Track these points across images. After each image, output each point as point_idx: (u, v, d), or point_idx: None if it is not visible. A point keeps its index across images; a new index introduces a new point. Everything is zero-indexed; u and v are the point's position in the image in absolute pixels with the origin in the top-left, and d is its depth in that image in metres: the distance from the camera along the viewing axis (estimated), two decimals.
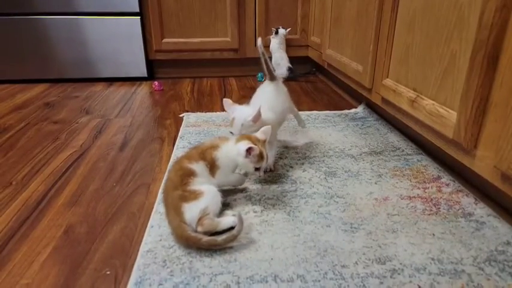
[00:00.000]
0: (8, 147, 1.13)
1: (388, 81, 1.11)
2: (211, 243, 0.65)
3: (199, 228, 0.68)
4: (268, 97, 0.98)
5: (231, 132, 0.90)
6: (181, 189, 0.71)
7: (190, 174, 0.73)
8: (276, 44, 1.97)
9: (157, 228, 0.73)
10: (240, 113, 0.89)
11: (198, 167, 0.75)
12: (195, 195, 0.70)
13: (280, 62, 1.98)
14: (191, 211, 0.69)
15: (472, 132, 0.73)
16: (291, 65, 1.97)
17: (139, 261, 0.63)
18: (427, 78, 0.90)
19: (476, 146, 0.73)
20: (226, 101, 0.92)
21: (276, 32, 1.96)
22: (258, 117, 0.87)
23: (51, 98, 1.68)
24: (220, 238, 0.65)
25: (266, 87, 1.02)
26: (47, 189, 0.88)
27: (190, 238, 0.66)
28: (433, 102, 0.87)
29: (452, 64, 0.80)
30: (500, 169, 0.66)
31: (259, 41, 1.02)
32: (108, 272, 0.61)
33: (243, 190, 0.86)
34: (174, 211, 0.69)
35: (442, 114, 0.82)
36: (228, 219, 0.71)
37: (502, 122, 0.66)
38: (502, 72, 0.66)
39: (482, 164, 0.72)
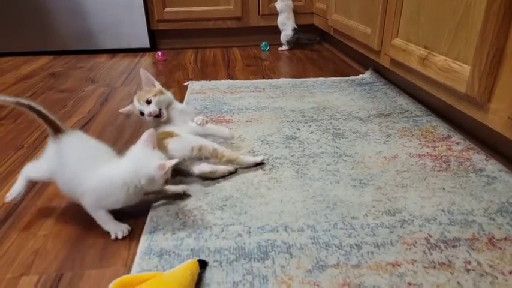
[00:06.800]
0: (17, 114, 1.13)
1: (398, 41, 1.08)
2: None
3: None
4: None
5: None
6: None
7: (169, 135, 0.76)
8: (283, 3, 1.91)
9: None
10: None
11: None
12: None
13: (286, 22, 1.92)
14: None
15: (486, 85, 0.71)
16: (296, 26, 1.92)
17: (152, 213, 0.64)
18: (439, 34, 0.87)
19: (490, 99, 0.72)
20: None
21: None
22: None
23: (55, 69, 1.67)
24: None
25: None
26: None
27: None
28: (445, 57, 0.85)
29: (466, 16, 0.77)
30: None
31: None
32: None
33: (250, 152, 0.86)
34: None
35: (455, 69, 0.80)
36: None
37: None
38: None
39: (495, 118, 0.71)
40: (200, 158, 0.76)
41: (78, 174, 0.59)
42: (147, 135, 0.62)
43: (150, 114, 0.77)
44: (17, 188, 0.65)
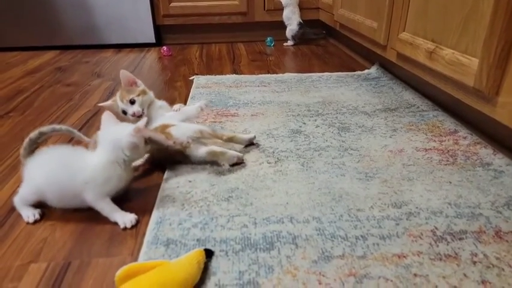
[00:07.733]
0: (25, 106, 1.14)
1: (405, 35, 1.07)
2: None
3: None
4: None
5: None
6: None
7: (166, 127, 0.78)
8: None
9: (173, 176, 0.74)
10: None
11: None
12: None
13: (291, 16, 1.91)
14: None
15: (495, 78, 0.71)
16: (302, 21, 1.91)
17: (158, 204, 0.65)
18: (447, 27, 0.86)
19: (498, 92, 0.71)
20: None
21: None
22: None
23: (62, 63, 1.68)
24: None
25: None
26: (66, 143, 0.89)
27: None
28: (453, 51, 0.84)
29: (475, 9, 0.76)
30: None
31: None
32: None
33: (255, 144, 0.87)
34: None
35: (463, 63, 0.79)
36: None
37: None
38: None
39: (503, 111, 0.70)
40: (203, 143, 0.77)
41: (66, 174, 0.59)
42: (104, 116, 0.65)
43: (134, 115, 0.79)
44: (28, 212, 0.62)
